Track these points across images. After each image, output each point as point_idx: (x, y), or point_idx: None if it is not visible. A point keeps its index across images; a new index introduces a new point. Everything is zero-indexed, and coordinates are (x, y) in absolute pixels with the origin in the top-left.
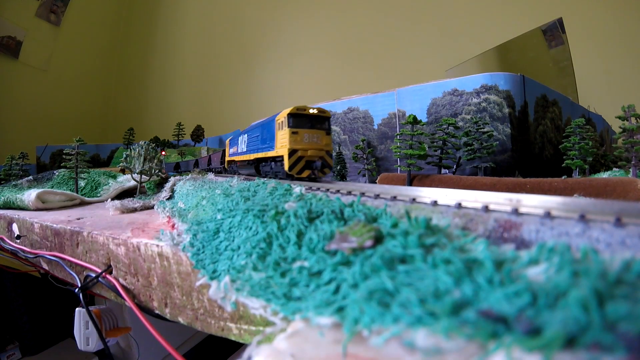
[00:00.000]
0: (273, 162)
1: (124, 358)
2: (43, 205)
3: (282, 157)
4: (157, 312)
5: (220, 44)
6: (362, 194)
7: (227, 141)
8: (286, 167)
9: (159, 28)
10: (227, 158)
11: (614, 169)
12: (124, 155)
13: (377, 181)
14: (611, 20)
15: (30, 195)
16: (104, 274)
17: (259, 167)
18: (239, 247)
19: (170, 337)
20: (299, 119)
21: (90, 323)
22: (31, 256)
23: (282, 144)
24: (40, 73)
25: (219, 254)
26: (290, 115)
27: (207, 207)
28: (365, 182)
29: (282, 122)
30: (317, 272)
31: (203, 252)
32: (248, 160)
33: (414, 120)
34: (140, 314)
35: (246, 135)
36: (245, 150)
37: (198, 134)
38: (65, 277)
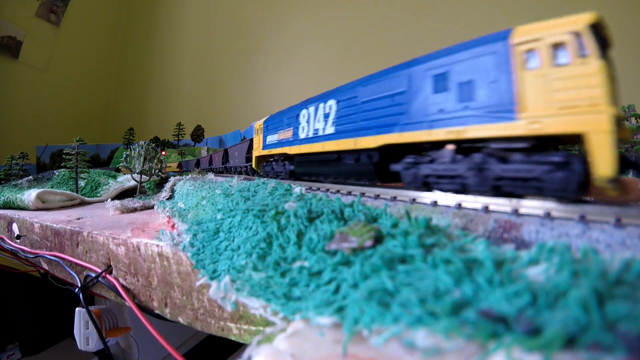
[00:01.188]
0: (493, 158)
1: (124, 358)
2: (43, 205)
3: (529, 139)
4: (157, 312)
5: (220, 44)
6: (362, 194)
7: (259, 125)
8: (605, 169)
9: (159, 28)
10: (257, 152)
11: None
12: (124, 155)
13: None
14: (611, 20)
15: (30, 195)
16: (104, 274)
17: (390, 167)
18: (239, 247)
19: (170, 337)
20: (604, 43)
21: (90, 323)
22: (31, 256)
23: (574, 99)
24: (40, 73)
25: (219, 254)
26: (595, 27)
27: (207, 207)
28: None
29: (554, 44)
30: (317, 272)
31: (203, 252)
32: (340, 152)
33: None
34: (140, 314)
35: (332, 102)
36: (330, 131)
37: (198, 134)
38: (65, 277)
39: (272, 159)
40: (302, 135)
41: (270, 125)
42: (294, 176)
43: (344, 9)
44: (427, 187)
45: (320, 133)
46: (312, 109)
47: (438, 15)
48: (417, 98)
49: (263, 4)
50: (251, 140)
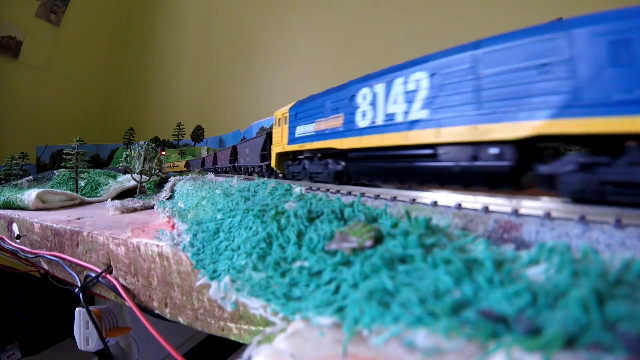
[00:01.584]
0: None
1: (124, 358)
2: (43, 205)
3: None
4: (157, 312)
5: (220, 44)
6: (362, 194)
7: (281, 113)
8: None
9: (159, 28)
10: (279, 148)
11: None
12: (124, 155)
13: None
14: None
15: (30, 195)
16: (104, 273)
17: (537, 169)
18: (239, 247)
19: (170, 337)
20: None
21: (90, 323)
22: (31, 256)
23: None
24: (40, 73)
25: (219, 254)
26: None
27: (207, 207)
28: None
29: None
30: (317, 272)
31: (203, 252)
32: (438, 146)
33: None
34: (140, 314)
35: (421, 74)
36: (418, 116)
37: (198, 134)
38: (65, 277)
39: (302, 156)
40: (361, 123)
41: (302, 113)
42: (342, 179)
43: (344, 9)
44: (600, 197)
45: (400, 119)
46: (379, 86)
47: (438, 15)
48: (585, 71)
49: (263, 4)
50: (268, 134)
